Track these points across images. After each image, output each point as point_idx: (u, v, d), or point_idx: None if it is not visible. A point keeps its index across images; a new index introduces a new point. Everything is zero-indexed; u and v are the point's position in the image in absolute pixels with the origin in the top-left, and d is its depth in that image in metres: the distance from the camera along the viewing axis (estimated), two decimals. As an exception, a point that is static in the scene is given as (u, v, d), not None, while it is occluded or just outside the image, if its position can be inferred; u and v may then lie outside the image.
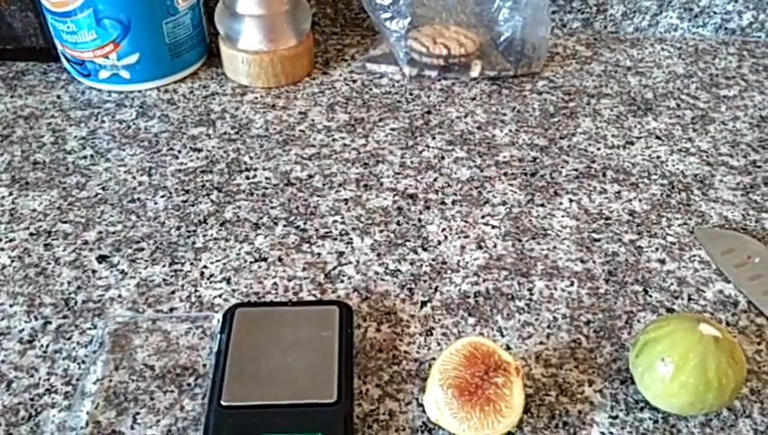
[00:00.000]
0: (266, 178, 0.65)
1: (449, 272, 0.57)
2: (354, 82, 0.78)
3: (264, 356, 0.48)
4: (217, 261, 0.57)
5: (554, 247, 0.59)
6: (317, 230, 0.60)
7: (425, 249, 0.59)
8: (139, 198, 0.63)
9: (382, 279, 0.56)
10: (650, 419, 0.47)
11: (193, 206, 0.62)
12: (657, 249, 0.59)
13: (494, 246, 0.59)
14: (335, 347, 0.48)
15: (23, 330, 0.52)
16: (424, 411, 0.47)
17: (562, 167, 0.67)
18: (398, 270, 0.57)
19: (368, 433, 0.46)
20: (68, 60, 0.75)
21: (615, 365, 0.50)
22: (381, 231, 0.60)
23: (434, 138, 0.70)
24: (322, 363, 0.47)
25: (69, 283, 0.55)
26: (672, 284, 0.56)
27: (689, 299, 0.55)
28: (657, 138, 0.71)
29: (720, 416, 0.47)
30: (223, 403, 0.45)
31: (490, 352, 0.46)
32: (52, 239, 0.59)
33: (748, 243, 0.59)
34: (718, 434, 0.46)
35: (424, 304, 0.55)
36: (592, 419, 0.47)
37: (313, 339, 0.49)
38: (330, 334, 0.49)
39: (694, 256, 0.59)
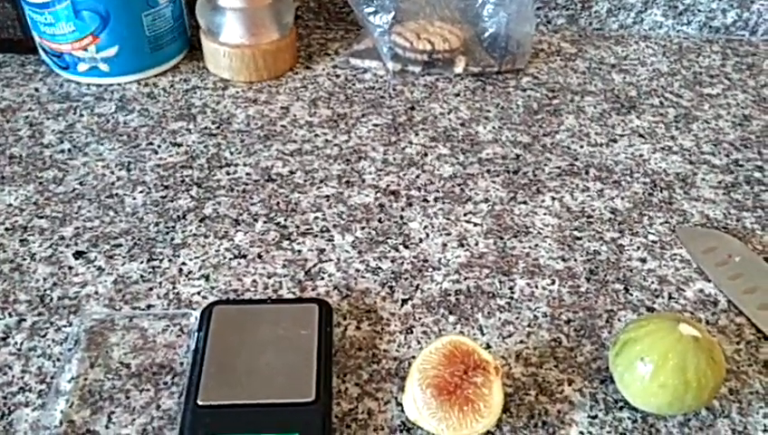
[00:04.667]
0: (247, 174, 0.65)
1: (431, 270, 0.57)
2: (337, 77, 0.78)
3: (241, 355, 0.47)
4: (196, 258, 0.57)
5: (536, 245, 0.59)
6: (298, 227, 0.60)
7: (406, 247, 0.58)
8: (117, 194, 0.62)
9: (363, 277, 0.56)
10: (629, 418, 0.47)
11: (172, 201, 0.61)
12: (638, 248, 0.59)
13: (476, 244, 0.59)
14: (314, 345, 0.48)
15: (-4, 327, 0.51)
16: (403, 411, 0.46)
17: (545, 164, 0.67)
18: (380, 268, 0.57)
19: (346, 433, 0.46)
20: (46, 52, 0.74)
21: (595, 364, 0.50)
22: (363, 228, 0.60)
23: (417, 134, 0.70)
24: (301, 362, 0.47)
25: (44, 279, 0.54)
26: (653, 282, 0.56)
27: (670, 298, 0.55)
28: (641, 136, 0.71)
29: (699, 416, 0.47)
30: (199, 402, 0.44)
31: (470, 351, 0.46)
32: (28, 235, 0.58)
33: (729, 242, 0.59)
34: (697, 434, 0.46)
35: (404, 302, 0.54)
36: (572, 418, 0.47)
37: (292, 337, 0.48)
38: (309, 333, 0.49)
39: (675, 254, 0.59)
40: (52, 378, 0.48)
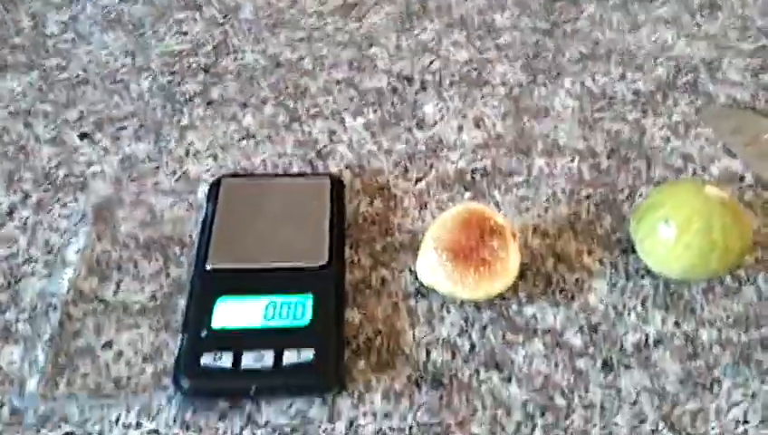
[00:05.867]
0: (255, 60, 0.62)
1: (446, 150, 0.55)
2: (348, -33, 0.74)
3: (252, 224, 0.46)
4: (204, 139, 0.55)
5: (555, 126, 0.57)
6: (307, 110, 0.58)
7: (420, 128, 0.57)
8: (122, 80, 0.60)
9: (376, 157, 0.54)
10: (651, 284, 0.45)
11: (179, 86, 0.60)
12: (662, 127, 0.57)
13: (494, 126, 0.57)
14: (326, 215, 0.46)
15: (1, 203, 0.50)
16: (416, 279, 0.45)
17: (566, 50, 0.64)
18: (393, 149, 0.55)
19: (359, 298, 0.44)
20: (46, -57, 0.71)
21: (615, 236, 0.49)
22: (375, 111, 0.58)
23: (431, 21, 0.67)
24: (313, 230, 0.46)
25: (49, 159, 0.53)
26: (677, 160, 0.54)
27: (694, 174, 0.53)
28: (665, 23, 0.68)
29: (724, 283, 0.46)
30: (208, 267, 0.43)
31: (486, 217, 0.44)
32: (32, 118, 0.56)
33: (757, 121, 0.57)
34: (721, 300, 0.45)
35: (419, 180, 0.53)
36: (590, 285, 0.46)
37: (304, 208, 0.47)
38: (321, 204, 0.47)
39: (700, 133, 0.56)
40: (58, 250, 0.47)
